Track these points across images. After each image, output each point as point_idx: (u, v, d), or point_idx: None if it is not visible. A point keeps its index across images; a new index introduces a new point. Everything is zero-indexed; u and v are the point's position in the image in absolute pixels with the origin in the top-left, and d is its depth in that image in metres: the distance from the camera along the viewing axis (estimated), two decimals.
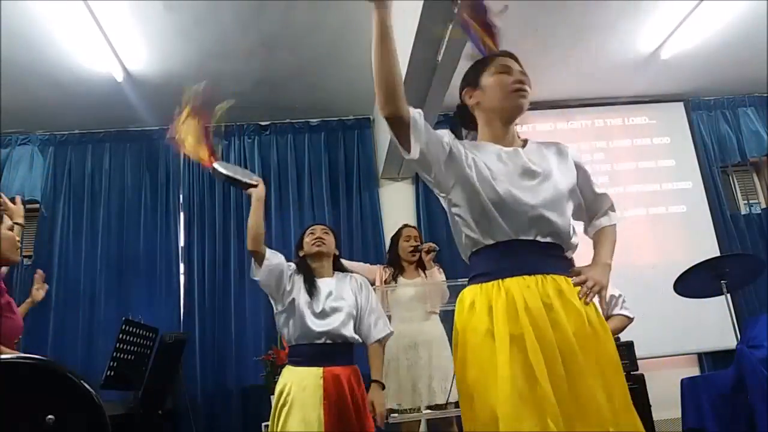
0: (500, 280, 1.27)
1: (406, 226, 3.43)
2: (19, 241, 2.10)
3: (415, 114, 1.33)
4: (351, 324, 2.20)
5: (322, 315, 2.17)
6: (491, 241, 1.31)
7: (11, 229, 2.07)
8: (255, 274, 2.23)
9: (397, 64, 1.32)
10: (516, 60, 1.49)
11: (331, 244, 2.35)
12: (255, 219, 2.26)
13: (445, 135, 1.42)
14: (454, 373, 1.34)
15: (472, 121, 1.54)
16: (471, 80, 1.51)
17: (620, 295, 3.10)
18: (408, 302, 3.15)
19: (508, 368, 1.15)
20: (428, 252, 3.15)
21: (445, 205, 1.43)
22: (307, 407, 2.04)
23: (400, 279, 3.21)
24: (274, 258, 2.23)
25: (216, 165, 2.33)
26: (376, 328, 2.25)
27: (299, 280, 2.25)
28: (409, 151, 1.30)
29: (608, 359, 1.22)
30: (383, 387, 2.23)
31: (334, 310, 2.19)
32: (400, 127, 1.30)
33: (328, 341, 2.15)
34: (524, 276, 1.26)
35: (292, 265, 2.32)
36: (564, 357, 1.18)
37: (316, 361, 2.12)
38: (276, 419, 2.10)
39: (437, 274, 3.24)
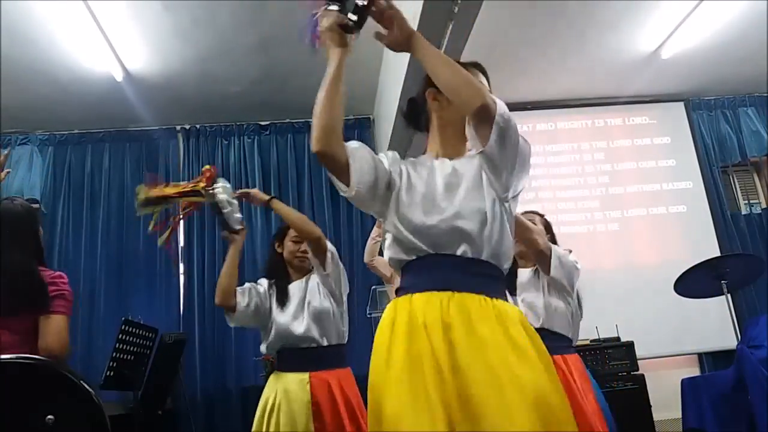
0: (410, 295, 1.20)
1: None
2: None
3: (353, 150, 1.26)
4: (323, 327, 2.13)
5: (294, 320, 2.11)
6: (413, 257, 1.24)
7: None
8: (231, 322, 2.20)
9: (341, 104, 1.29)
10: (485, 74, 1.43)
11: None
12: (230, 270, 2.18)
13: (385, 160, 1.33)
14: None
15: (424, 121, 1.47)
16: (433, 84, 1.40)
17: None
18: None
19: (399, 380, 1.10)
20: None
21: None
22: (294, 414, 2.00)
23: None
24: (244, 299, 2.18)
25: (221, 182, 2.18)
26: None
27: (273, 292, 2.21)
28: (347, 185, 1.24)
29: (521, 396, 1.04)
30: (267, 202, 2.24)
31: (305, 314, 2.13)
32: (333, 164, 1.24)
33: (312, 345, 2.10)
34: (432, 291, 1.17)
35: (263, 284, 2.27)
36: (458, 380, 1.08)
37: (301, 366, 2.07)
38: (262, 427, 2.06)
39: None
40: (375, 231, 3.15)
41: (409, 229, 1.23)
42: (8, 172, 2.45)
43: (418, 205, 1.25)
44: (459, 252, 1.20)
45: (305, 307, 2.14)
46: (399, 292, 1.25)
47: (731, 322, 3.36)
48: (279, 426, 2.01)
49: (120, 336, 3.01)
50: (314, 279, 2.24)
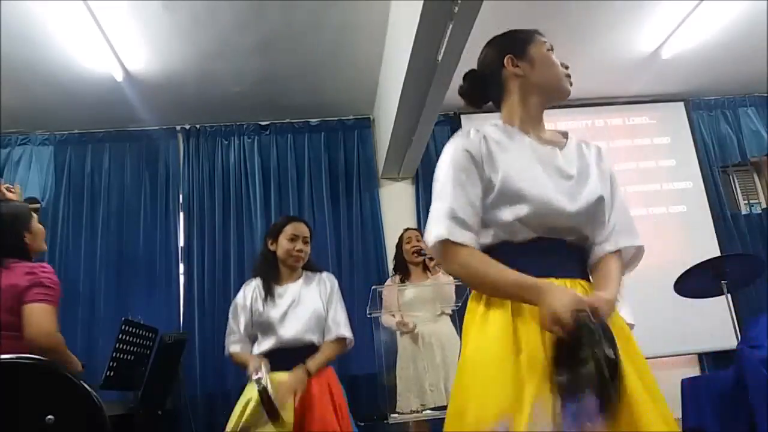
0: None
1: (407, 229, 3.47)
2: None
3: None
4: (317, 327, 2.15)
5: (285, 321, 2.12)
6: (517, 239, 1.18)
7: (39, 222, 2.15)
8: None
9: None
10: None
11: (308, 254, 2.28)
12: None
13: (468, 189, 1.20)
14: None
15: (495, 93, 1.34)
16: (516, 48, 1.32)
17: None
18: (417, 304, 3.18)
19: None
20: (432, 258, 3.17)
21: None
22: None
23: (408, 282, 3.25)
24: (237, 325, 2.20)
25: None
26: (334, 326, 2.19)
27: (261, 293, 2.20)
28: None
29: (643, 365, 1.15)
30: (307, 373, 2.07)
31: (297, 315, 2.14)
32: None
33: (298, 346, 2.11)
34: (551, 279, 1.13)
35: (252, 288, 2.25)
36: None
37: (285, 366, 2.06)
38: (239, 414, 2.03)
39: (443, 276, 3.25)
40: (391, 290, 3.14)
41: (529, 213, 1.16)
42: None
43: (542, 188, 1.19)
44: (573, 238, 1.21)
45: (298, 308, 2.15)
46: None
47: (731, 322, 3.36)
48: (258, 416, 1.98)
49: (120, 336, 3.00)
50: (309, 279, 2.25)
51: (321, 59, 3.94)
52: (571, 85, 1.34)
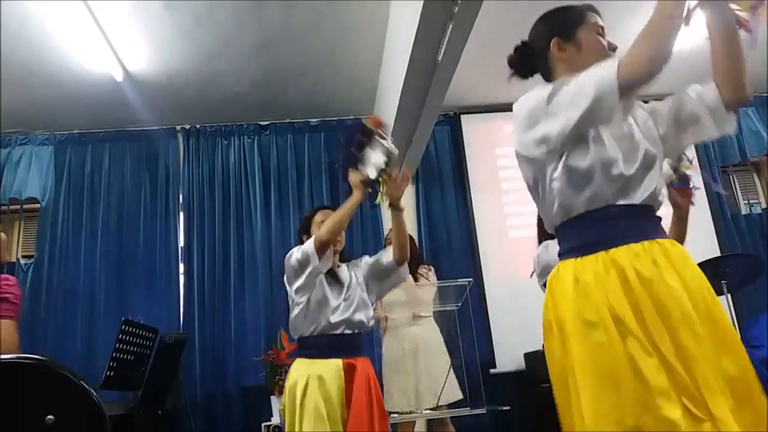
0: (604, 252, 1.13)
1: (392, 230, 3.49)
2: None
3: None
4: (367, 309, 2.16)
5: (341, 304, 2.11)
6: (590, 208, 1.18)
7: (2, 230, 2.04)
8: (314, 261, 2.06)
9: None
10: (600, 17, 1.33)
11: (344, 237, 2.28)
12: (347, 215, 2.11)
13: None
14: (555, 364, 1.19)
15: (543, 69, 1.36)
16: (564, 31, 1.32)
17: None
18: (396, 306, 3.20)
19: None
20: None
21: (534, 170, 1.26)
22: (329, 401, 1.95)
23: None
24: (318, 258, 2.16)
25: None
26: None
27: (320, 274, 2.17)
28: None
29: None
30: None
31: (351, 297, 2.13)
32: None
33: (347, 331, 2.07)
34: (630, 244, 1.13)
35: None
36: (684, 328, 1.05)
37: (334, 352, 2.02)
38: (296, 415, 1.96)
39: (423, 279, 3.28)
40: None
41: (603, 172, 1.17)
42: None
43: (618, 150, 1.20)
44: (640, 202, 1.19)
45: (352, 292, 2.14)
46: (573, 252, 1.19)
47: (731, 321, 3.35)
48: (314, 413, 1.93)
49: (120, 336, 3.00)
50: (354, 266, 2.26)
51: (321, 59, 3.95)
52: None
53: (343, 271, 2.22)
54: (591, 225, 1.18)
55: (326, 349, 2.04)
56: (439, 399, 2.96)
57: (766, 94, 4.86)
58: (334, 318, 2.07)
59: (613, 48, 1.32)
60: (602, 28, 1.32)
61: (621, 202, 1.16)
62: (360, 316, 2.11)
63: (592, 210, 1.18)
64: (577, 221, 1.20)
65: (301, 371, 2.02)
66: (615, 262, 1.12)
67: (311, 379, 1.97)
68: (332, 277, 2.16)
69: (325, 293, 2.10)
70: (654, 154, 1.23)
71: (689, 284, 1.11)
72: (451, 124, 4.67)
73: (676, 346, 1.05)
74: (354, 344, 2.09)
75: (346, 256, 2.33)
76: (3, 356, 1.52)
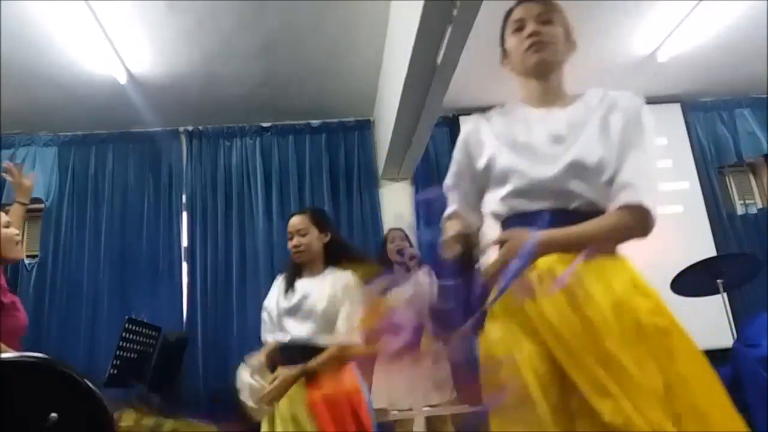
0: None
1: (391, 229, 3.51)
2: (18, 235, 2.08)
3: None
4: (322, 327, 2.07)
5: (297, 319, 2.10)
6: (521, 210, 1.20)
7: (8, 226, 2.04)
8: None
9: None
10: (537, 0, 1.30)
11: (311, 245, 2.19)
12: None
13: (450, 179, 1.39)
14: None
15: None
16: (502, 43, 1.37)
17: None
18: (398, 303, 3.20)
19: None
20: (411, 258, 3.17)
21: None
22: (296, 413, 1.99)
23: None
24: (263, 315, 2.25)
25: None
26: (341, 328, 2.07)
27: (283, 287, 2.21)
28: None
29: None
30: (302, 374, 2.05)
31: (307, 315, 2.09)
32: None
33: (309, 345, 2.07)
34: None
35: (277, 282, 2.29)
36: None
37: (297, 362, 2.05)
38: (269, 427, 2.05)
39: (423, 277, 3.28)
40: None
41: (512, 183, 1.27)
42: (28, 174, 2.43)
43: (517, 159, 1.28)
44: (577, 204, 1.21)
45: (305, 305, 2.11)
46: None
47: (727, 321, 3.39)
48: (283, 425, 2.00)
49: (124, 334, 3.04)
50: (326, 276, 2.20)
51: (321, 61, 3.98)
52: (540, 50, 1.26)
53: (302, 285, 2.19)
54: None
55: (289, 359, 2.09)
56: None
57: (762, 96, 4.89)
58: (288, 331, 2.14)
59: (528, 35, 1.27)
60: (521, 20, 1.29)
61: None
62: (310, 337, 2.09)
63: None
64: None
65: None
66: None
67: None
68: (288, 288, 2.24)
69: (274, 308, 2.22)
70: None
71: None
72: (449, 125, 4.71)
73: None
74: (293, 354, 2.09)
75: (341, 261, 2.25)
76: (5, 354, 1.54)
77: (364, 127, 4.78)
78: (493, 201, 1.26)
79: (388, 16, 3.57)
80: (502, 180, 1.23)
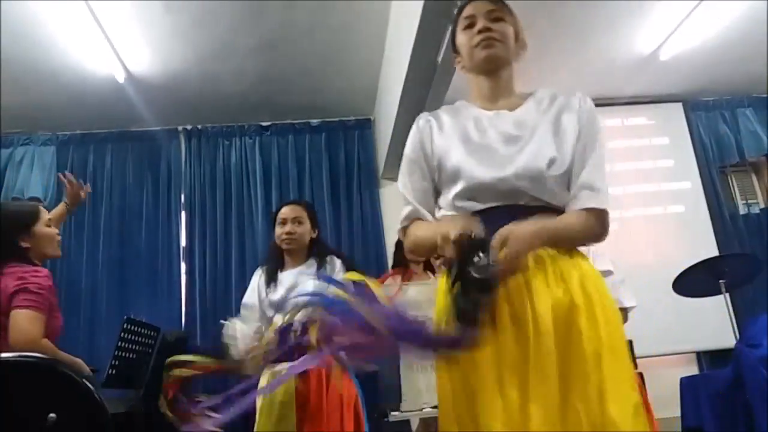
0: None
1: None
2: (58, 234, 2.24)
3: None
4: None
5: (282, 310, 2.06)
6: (475, 209, 1.20)
7: (49, 225, 2.15)
8: None
9: None
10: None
11: (304, 235, 2.21)
12: None
13: (414, 174, 1.33)
14: None
15: None
16: (454, 42, 1.37)
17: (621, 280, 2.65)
18: (422, 302, 3.18)
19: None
20: (438, 257, 3.16)
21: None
22: (278, 406, 2.02)
23: (411, 282, 3.25)
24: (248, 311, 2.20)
25: None
26: None
27: (264, 280, 2.19)
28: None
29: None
30: None
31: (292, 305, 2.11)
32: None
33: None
34: None
35: (257, 276, 2.26)
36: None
37: (285, 358, 2.03)
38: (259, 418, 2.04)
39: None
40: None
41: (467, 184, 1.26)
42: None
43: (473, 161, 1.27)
44: (532, 202, 1.21)
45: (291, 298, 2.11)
46: None
47: (729, 321, 3.37)
48: (266, 417, 2.03)
49: (122, 334, 3.02)
50: (312, 264, 2.20)
51: (321, 60, 3.97)
52: (489, 45, 1.27)
53: (289, 275, 2.18)
54: None
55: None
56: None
57: (763, 95, 4.88)
58: (276, 321, 2.07)
59: (479, 30, 1.27)
60: (472, 17, 1.29)
61: None
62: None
63: None
64: None
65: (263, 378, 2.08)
66: None
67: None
68: (270, 279, 2.23)
69: (266, 300, 2.22)
70: None
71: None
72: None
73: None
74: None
75: (324, 251, 2.29)
76: (4, 355, 1.54)
77: (365, 126, 4.76)
78: (445, 202, 1.27)
79: (388, 16, 3.56)
80: (453, 179, 1.23)
